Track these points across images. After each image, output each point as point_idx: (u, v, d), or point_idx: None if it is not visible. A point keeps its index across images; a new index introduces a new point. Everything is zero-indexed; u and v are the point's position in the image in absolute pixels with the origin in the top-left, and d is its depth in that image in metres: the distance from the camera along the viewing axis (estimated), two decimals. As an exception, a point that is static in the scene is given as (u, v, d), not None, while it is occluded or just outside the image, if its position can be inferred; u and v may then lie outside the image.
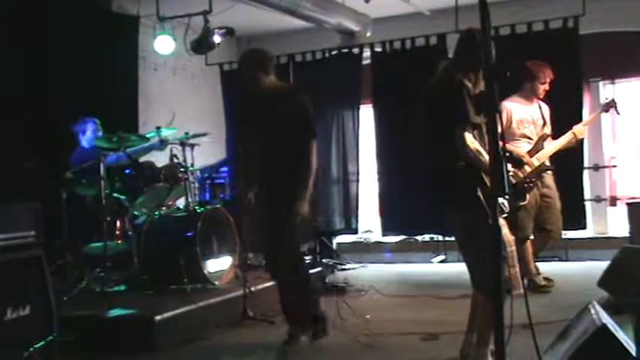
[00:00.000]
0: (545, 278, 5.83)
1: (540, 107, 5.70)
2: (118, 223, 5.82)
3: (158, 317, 4.49)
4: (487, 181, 3.28)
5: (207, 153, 7.25)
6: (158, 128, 5.97)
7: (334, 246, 8.82)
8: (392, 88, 8.02)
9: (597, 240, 8.07)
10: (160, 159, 6.28)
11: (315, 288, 4.86)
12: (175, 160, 5.89)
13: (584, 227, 7.19)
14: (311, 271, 6.28)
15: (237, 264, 5.81)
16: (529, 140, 5.56)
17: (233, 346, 4.57)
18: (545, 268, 6.02)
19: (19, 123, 6.08)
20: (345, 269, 7.91)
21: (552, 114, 5.73)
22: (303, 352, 4.34)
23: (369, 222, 9.04)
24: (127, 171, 5.75)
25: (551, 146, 5.48)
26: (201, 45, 7.25)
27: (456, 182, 3.45)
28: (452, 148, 3.37)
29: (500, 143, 2.35)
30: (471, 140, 3.34)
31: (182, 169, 5.80)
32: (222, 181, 6.83)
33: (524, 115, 5.61)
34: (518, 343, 2.85)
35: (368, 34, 8.56)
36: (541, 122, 5.65)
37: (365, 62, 8.42)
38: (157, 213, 5.78)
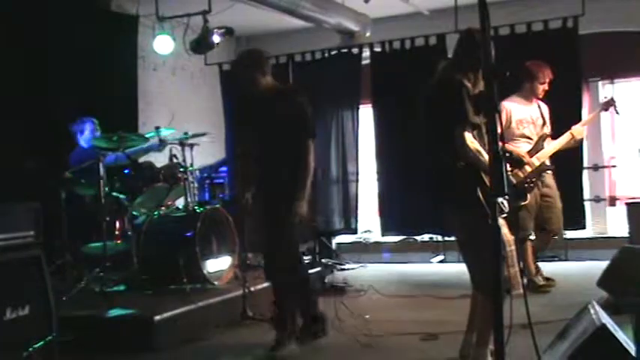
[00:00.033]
0: (547, 278, 5.84)
1: (540, 107, 5.71)
2: (117, 223, 5.82)
3: (157, 317, 4.49)
4: (487, 180, 3.27)
5: (207, 153, 7.25)
6: (157, 128, 5.97)
7: (334, 246, 8.82)
8: (391, 88, 8.02)
9: (597, 240, 8.07)
10: (159, 159, 6.28)
11: (314, 288, 4.85)
12: (175, 160, 5.89)
13: (583, 227, 7.19)
14: (310, 271, 6.29)
15: (236, 264, 5.81)
16: (529, 140, 5.56)
17: (232, 346, 4.57)
18: (545, 268, 6.02)
19: (19, 123, 6.08)
20: (344, 269, 7.91)
21: (552, 114, 5.74)
22: (302, 352, 4.34)
23: (369, 222, 9.04)
24: (127, 171, 5.75)
25: (551, 146, 5.48)
26: (201, 45, 7.25)
27: (456, 182, 3.45)
28: (452, 148, 3.37)
29: (500, 143, 2.35)
30: (470, 140, 3.34)
31: (181, 169, 5.80)
32: (221, 181, 6.84)
33: (524, 115, 5.62)
34: (518, 342, 2.85)
35: (367, 34, 8.56)
36: (541, 122, 5.65)
37: (364, 62, 8.42)
38: (156, 213, 5.78)
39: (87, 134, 6.23)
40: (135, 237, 5.62)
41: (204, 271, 5.42)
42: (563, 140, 5.49)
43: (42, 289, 3.76)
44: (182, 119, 7.83)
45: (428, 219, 7.26)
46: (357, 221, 8.49)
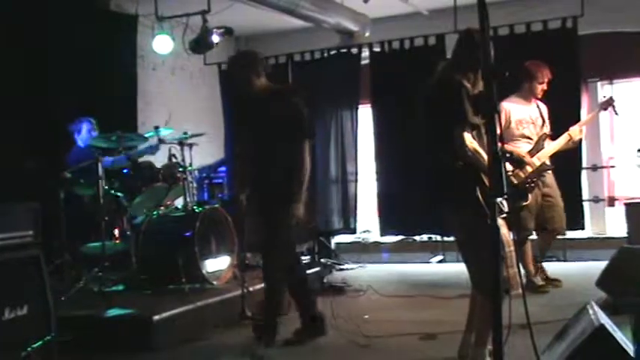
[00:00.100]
0: (553, 279, 5.85)
1: (539, 107, 5.71)
2: (116, 223, 5.82)
3: (156, 317, 4.49)
4: (486, 181, 3.28)
5: (206, 153, 7.25)
6: (156, 128, 5.97)
7: (333, 246, 8.83)
8: (391, 88, 8.02)
9: (595, 240, 8.08)
10: (158, 159, 6.28)
11: (312, 288, 4.85)
12: (174, 160, 5.89)
13: (582, 227, 7.19)
14: (309, 271, 6.29)
15: (235, 264, 5.80)
16: (529, 140, 5.56)
17: (231, 346, 4.57)
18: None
19: (19, 123, 6.08)
20: (343, 269, 7.91)
21: (550, 114, 5.74)
22: (301, 352, 4.34)
23: (368, 222, 9.04)
24: (126, 171, 5.76)
25: (550, 147, 5.48)
26: (200, 44, 7.25)
27: (455, 182, 3.45)
28: (451, 148, 3.37)
29: (499, 144, 2.35)
30: (469, 140, 3.34)
31: (180, 169, 5.80)
32: (220, 180, 6.84)
33: (523, 115, 5.62)
34: (516, 343, 2.85)
35: (367, 34, 8.56)
36: (540, 122, 5.66)
37: (364, 62, 8.42)
38: (155, 213, 5.77)
39: (84, 134, 6.23)
40: (134, 237, 5.62)
41: (203, 271, 5.42)
42: (562, 141, 5.49)
43: (40, 289, 3.76)
44: (181, 119, 7.84)
45: (427, 219, 7.26)
46: (356, 221, 8.49)
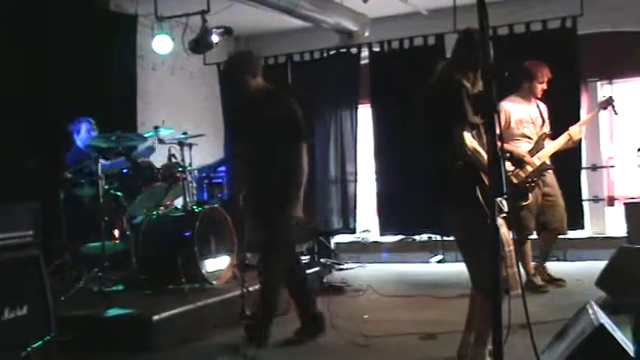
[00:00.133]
0: (557, 279, 5.84)
1: (538, 106, 5.72)
2: (116, 223, 5.81)
3: (156, 317, 4.49)
4: (486, 180, 3.27)
5: (205, 152, 7.25)
6: (156, 128, 5.97)
7: (332, 246, 8.83)
8: (390, 88, 8.02)
9: (595, 240, 8.07)
10: (158, 159, 6.28)
11: (311, 288, 4.85)
12: (173, 160, 5.89)
13: (582, 227, 7.20)
14: (308, 271, 6.29)
15: (235, 264, 5.80)
16: (529, 140, 5.57)
17: (230, 345, 4.57)
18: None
19: (19, 123, 6.07)
20: (343, 269, 7.92)
21: (550, 114, 5.75)
22: (300, 352, 4.34)
23: (367, 222, 9.03)
24: (125, 171, 5.75)
25: (551, 146, 5.49)
26: (200, 44, 7.25)
27: (455, 182, 3.45)
28: (450, 148, 3.37)
29: (499, 143, 2.35)
30: (469, 139, 3.34)
31: (180, 169, 5.80)
32: (220, 180, 6.83)
33: (523, 115, 5.62)
34: (516, 342, 2.85)
35: (366, 34, 8.56)
36: (540, 121, 5.66)
37: (363, 62, 8.42)
38: (154, 213, 5.77)
39: (83, 134, 6.23)
40: (133, 237, 5.62)
41: (203, 271, 5.41)
42: (562, 141, 5.50)
43: (40, 289, 3.76)
44: (181, 119, 7.83)
45: (426, 219, 7.26)
46: (355, 221, 8.49)
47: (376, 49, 8.23)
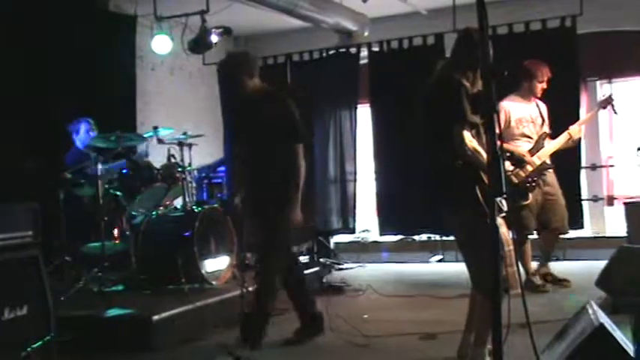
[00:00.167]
0: (562, 279, 5.83)
1: (538, 106, 5.72)
2: (115, 223, 5.81)
3: (156, 317, 4.49)
4: (486, 179, 3.27)
5: (205, 153, 7.25)
6: (155, 128, 5.97)
7: (332, 246, 8.82)
8: (389, 87, 8.02)
9: (595, 240, 8.07)
10: (157, 159, 6.28)
11: (310, 288, 4.83)
12: (173, 160, 5.89)
13: (581, 227, 7.19)
14: (308, 271, 6.29)
15: (234, 264, 5.80)
16: (529, 139, 5.56)
17: (231, 346, 4.56)
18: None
19: (19, 123, 6.07)
20: (342, 269, 7.92)
21: (550, 113, 5.75)
22: (300, 352, 4.34)
23: (367, 222, 9.03)
24: (125, 171, 5.75)
25: (551, 145, 5.50)
26: (199, 44, 7.25)
27: (455, 181, 3.45)
28: (450, 147, 3.37)
29: (498, 143, 2.35)
30: (469, 139, 3.34)
31: (179, 169, 5.80)
32: (219, 180, 6.83)
33: (523, 114, 5.62)
34: (516, 342, 2.85)
35: (365, 34, 8.56)
36: (540, 121, 5.66)
37: (362, 62, 8.42)
38: (154, 213, 5.78)
39: (82, 134, 6.24)
40: (133, 237, 5.62)
41: (203, 271, 5.41)
42: (562, 140, 5.50)
43: (40, 289, 3.76)
44: (180, 119, 7.83)
45: (426, 218, 7.26)
46: (355, 221, 8.49)
47: (375, 48, 8.23)
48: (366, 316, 5.13)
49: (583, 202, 7.45)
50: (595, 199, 8.49)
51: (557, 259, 7.39)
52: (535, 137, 5.55)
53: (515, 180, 5.25)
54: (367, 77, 8.34)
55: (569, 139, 5.50)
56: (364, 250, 9.00)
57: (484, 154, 3.16)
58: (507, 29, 7.30)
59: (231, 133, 7.59)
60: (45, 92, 6.39)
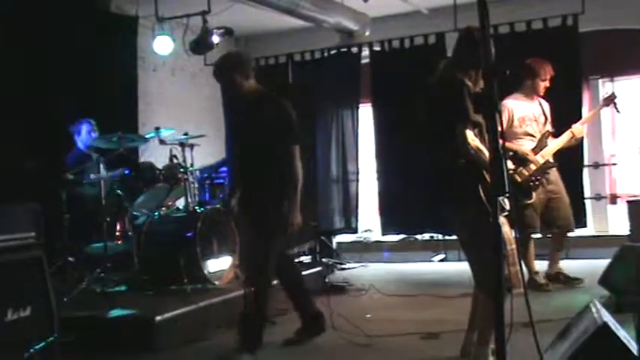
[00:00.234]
0: (575, 278, 5.80)
1: (541, 104, 5.71)
2: (118, 224, 5.82)
3: (158, 317, 4.49)
4: (488, 178, 3.27)
5: (207, 153, 7.25)
6: (157, 129, 5.97)
7: (334, 245, 8.83)
8: (391, 87, 8.02)
9: (598, 238, 8.06)
10: (159, 159, 6.28)
11: (309, 288, 4.81)
12: (175, 161, 5.89)
13: (584, 225, 7.19)
14: (309, 271, 6.30)
15: (237, 264, 5.80)
16: (532, 138, 5.56)
17: (234, 346, 4.56)
18: (545, 266, 6.00)
19: (19, 123, 6.07)
20: (345, 268, 7.92)
21: (552, 112, 5.74)
22: (301, 352, 4.33)
23: (369, 221, 9.04)
24: (127, 172, 5.75)
25: (554, 144, 5.49)
26: (200, 45, 7.25)
27: (456, 181, 3.45)
28: (452, 147, 3.36)
29: (501, 141, 2.35)
30: (472, 138, 3.34)
31: (182, 170, 5.80)
32: (221, 181, 6.83)
33: (526, 113, 5.61)
34: (519, 341, 2.84)
35: (367, 34, 8.55)
36: (543, 119, 5.65)
37: (364, 61, 8.42)
38: (156, 213, 5.78)
39: (84, 135, 6.25)
40: (135, 237, 5.62)
41: (205, 271, 5.42)
42: (565, 138, 5.49)
43: (43, 290, 3.76)
44: (182, 119, 7.83)
45: (428, 218, 7.25)
46: (357, 220, 8.49)
47: (377, 48, 8.23)
48: (368, 315, 5.13)
49: (586, 201, 7.44)
50: (598, 197, 8.48)
51: (560, 258, 7.39)
52: (538, 136, 5.54)
53: (518, 179, 5.25)
54: (369, 77, 8.34)
55: (572, 137, 5.49)
56: (366, 249, 9.00)
57: (487, 153, 3.16)
58: (509, 28, 7.30)
59: (231, 133, 7.60)
60: (45, 92, 6.39)
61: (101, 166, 5.66)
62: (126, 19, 7.60)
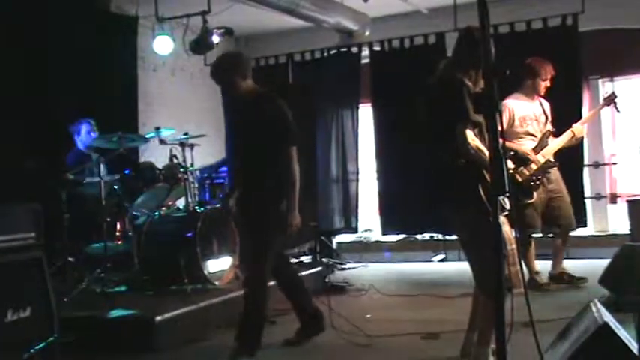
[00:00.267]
0: (580, 277, 5.79)
1: (541, 104, 5.71)
2: (118, 224, 5.82)
3: (159, 318, 4.49)
4: (488, 178, 3.27)
5: (207, 153, 7.25)
6: (157, 129, 5.97)
7: (334, 245, 8.83)
8: (391, 87, 8.02)
9: (598, 238, 8.06)
10: (159, 159, 6.28)
11: (306, 287, 4.81)
12: (175, 161, 5.89)
13: (584, 225, 7.19)
14: (309, 271, 6.30)
15: (237, 264, 5.80)
16: (533, 137, 5.56)
17: (233, 347, 4.56)
18: (546, 266, 6.00)
19: (19, 123, 6.08)
20: (345, 268, 7.92)
21: (552, 112, 5.74)
22: (301, 352, 4.33)
23: (369, 221, 9.04)
24: (127, 172, 5.75)
25: (554, 144, 5.49)
26: (200, 45, 7.25)
27: (456, 181, 3.45)
28: (452, 147, 3.36)
29: (501, 141, 2.34)
30: (472, 138, 3.34)
31: (182, 170, 5.80)
32: (221, 181, 6.83)
33: (527, 112, 5.61)
34: (519, 341, 2.84)
35: (367, 34, 8.56)
36: (543, 119, 5.65)
37: (364, 61, 8.43)
38: (156, 213, 5.78)
39: (83, 135, 6.25)
40: (136, 237, 5.62)
41: (205, 272, 5.42)
42: (565, 138, 5.50)
43: (43, 291, 3.76)
44: (182, 119, 7.83)
45: (428, 218, 7.26)
46: (357, 220, 8.49)
47: (377, 48, 8.23)
48: (368, 315, 5.13)
49: (586, 200, 7.44)
50: (598, 197, 8.48)
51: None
52: (539, 135, 5.54)
53: (519, 178, 5.25)
54: (369, 77, 8.35)
55: (572, 137, 5.49)
56: (367, 249, 9.01)
57: (487, 153, 3.16)
58: (509, 28, 7.30)
59: (230, 133, 7.60)
60: (45, 92, 6.39)
61: (101, 166, 5.66)
62: (126, 19, 7.60)
